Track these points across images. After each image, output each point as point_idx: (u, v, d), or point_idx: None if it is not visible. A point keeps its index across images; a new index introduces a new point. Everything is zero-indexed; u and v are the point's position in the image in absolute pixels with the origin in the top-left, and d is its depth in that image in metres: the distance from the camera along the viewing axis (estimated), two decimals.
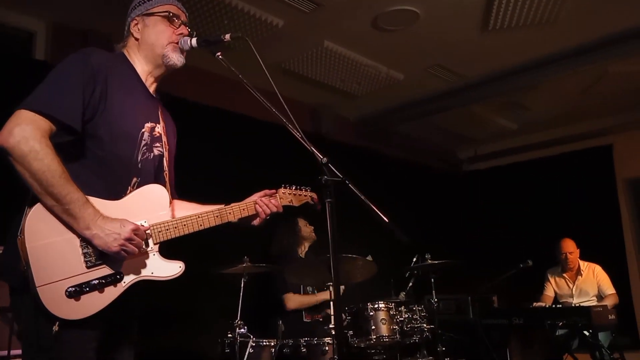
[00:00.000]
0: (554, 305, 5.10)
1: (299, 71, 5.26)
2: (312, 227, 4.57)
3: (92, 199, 1.70)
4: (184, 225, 1.90)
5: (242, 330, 3.51)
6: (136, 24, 2.02)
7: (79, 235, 1.67)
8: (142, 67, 2.01)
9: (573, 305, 5.20)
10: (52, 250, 1.63)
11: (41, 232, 1.62)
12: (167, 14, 2.02)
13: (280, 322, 3.60)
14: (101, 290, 1.68)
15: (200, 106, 4.86)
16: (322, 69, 5.23)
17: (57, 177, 1.61)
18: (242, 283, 3.77)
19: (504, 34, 4.71)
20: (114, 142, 1.81)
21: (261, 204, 2.10)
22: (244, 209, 2.08)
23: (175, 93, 4.48)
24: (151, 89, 2.04)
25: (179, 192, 2.19)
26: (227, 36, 2.02)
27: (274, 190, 2.21)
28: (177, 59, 2.00)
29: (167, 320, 4.10)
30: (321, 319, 4.23)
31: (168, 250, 1.89)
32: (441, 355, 3.75)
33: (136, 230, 1.72)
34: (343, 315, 3.58)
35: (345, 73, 5.32)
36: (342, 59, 5.04)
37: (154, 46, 1.99)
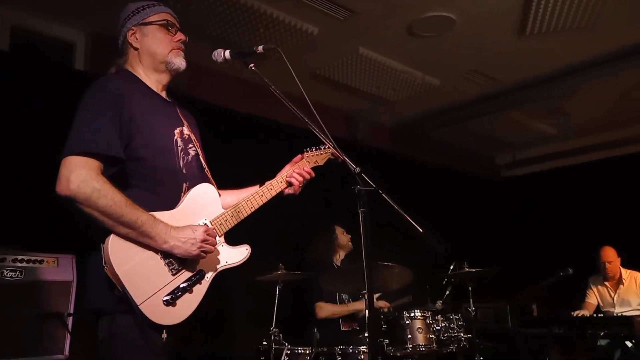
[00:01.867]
0: (595, 315, 4.95)
1: (334, 78, 5.28)
2: (349, 236, 4.53)
3: (156, 214, 1.80)
4: (238, 211, 2.04)
5: (277, 337, 3.52)
6: (133, 34, 2.06)
7: (157, 250, 1.79)
8: (150, 77, 2.07)
9: (615, 314, 5.05)
10: (139, 270, 1.75)
11: (124, 257, 1.74)
12: (164, 22, 2.08)
13: (316, 330, 3.59)
14: (191, 291, 1.83)
15: (236, 113, 4.91)
16: (357, 75, 5.25)
17: (124, 207, 1.72)
18: (277, 290, 3.79)
19: (542, 39, 4.63)
20: (154, 157, 1.90)
21: (295, 175, 2.21)
22: (280, 182, 2.20)
23: (213, 101, 4.60)
24: (163, 95, 2.11)
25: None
26: (260, 48, 2.08)
27: (299, 156, 2.33)
28: (180, 63, 2.07)
29: (202, 326, 4.15)
30: (358, 328, 4.20)
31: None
32: None
33: (207, 231, 1.85)
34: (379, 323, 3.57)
35: (380, 79, 5.32)
36: (378, 65, 5.04)
37: (156, 54, 2.05)
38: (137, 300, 1.69)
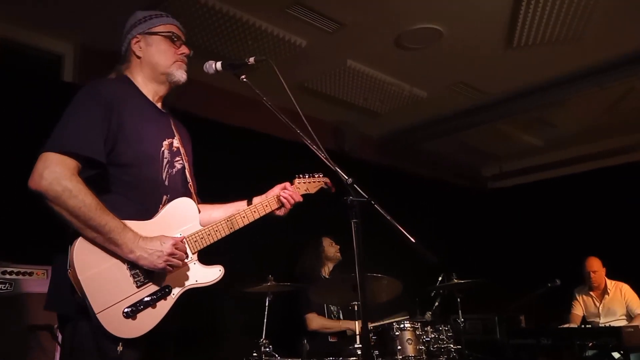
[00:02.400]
0: (582, 326, 4.99)
1: (322, 90, 5.31)
2: (338, 247, 4.54)
3: (128, 222, 1.77)
4: (216, 230, 1.98)
5: (267, 349, 3.50)
6: (137, 42, 2.06)
7: (124, 260, 1.75)
8: (147, 86, 2.06)
9: (600, 324, 5.10)
10: (102, 278, 1.71)
11: (89, 262, 1.71)
12: (170, 34, 2.07)
13: (305, 341, 3.58)
14: (154, 306, 1.78)
15: (224, 125, 4.91)
16: (345, 87, 5.28)
17: (94, 210, 1.69)
18: (267, 302, 3.78)
19: (529, 51, 4.69)
20: (138, 166, 1.88)
21: (285, 195, 2.18)
22: (266, 205, 2.16)
23: (200, 113, 4.59)
24: (159, 105, 2.10)
25: (203, 198, 2.24)
26: (252, 59, 2.08)
27: (289, 183, 2.28)
28: (180, 76, 2.07)
29: (191, 339, 4.11)
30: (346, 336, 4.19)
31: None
32: None
33: (176, 244, 1.80)
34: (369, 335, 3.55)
35: (368, 91, 5.35)
36: (365, 77, 5.08)
37: (158, 65, 2.05)
38: (96, 309, 1.65)
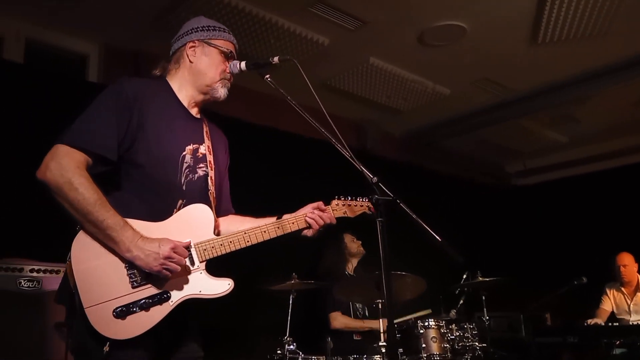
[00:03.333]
0: (610, 323, 4.91)
1: (345, 88, 5.31)
2: (360, 242, 4.52)
3: (135, 222, 1.75)
4: (230, 242, 1.91)
5: (291, 347, 3.52)
6: (194, 47, 2.04)
7: (123, 259, 1.72)
8: (186, 91, 2.04)
9: (630, 322, 5.00)
10: (98, 273, 1.69)
11: (86, 255, 1.69)
12: (228, 51, 2.06)
13: (329, 339, 3.58)
14: (147, 310, 1.71)
15: (248, 124, 4.94)
16: (367, 85, 5.27)
17: (92, 204, 1.68)
18: (291, 299, 3.79)
19: (554, 47, 4.63)
20: (153, 167, 1.86)
21: (312, 216, 2.06)
22: (293, 223, 2.04)
23: (224, 112, 4.62)
24: (193, 112, 2.07)
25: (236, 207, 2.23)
26: (276, 59, 2.05)
27: (325, 207, 2.14)
28: (223, 94, 2.06)
29: (215, 337, 4.13)
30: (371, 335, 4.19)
31: (216, 266, 1.91)
32: None
33: (175, 249, 1.73)
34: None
35: (391, 89, 5.33)
36: (388, 75, 5.06)
37: (206, 76, 2.03)
38: (85, 303, 1.62)
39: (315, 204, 2.12)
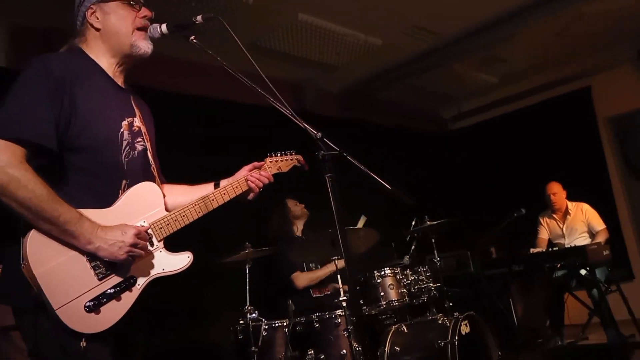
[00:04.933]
0: (550, 249, 5.22)
1: (276, 47, 5.18)
2: (303, 205, 4.56)
3: (87, 211, 1.67)
4: (183, 215, 1.88)
5: (254, 315, 3.53)
6: (93, 13, 1.88)
7: (83, 252, 1.65)
8: (107, 60, 1.90)
9: (565, 244, 5.35)
10: (60, 272, 1.62)
11: (45, 256, 1.60)
12: None
13: (290, 301, 3.62)
14: (118, 298, 1.69)
15: (177, 95, 4.75)
16: (298, 43, 5.16)
17: (45, 201, 1.57)
18: (247, 269, 3.77)
19: None
20: (94, 150, 1.75)
21: (252, 179, 2.09)
22: (236, 187, 2.06)
23: (149, 84, 4.43)
24: (119, 81, 1.94)
25: (167, 177, 2.16)
26: (199, 18, 1.93)
27: (261, 163, 2.20)
28: (146, 47, 1.91)
29: (176, 316, 4.10)
30: (330, 292, 4.27)
31: (171, 244, 1.88)
32: (449, 310, 3.83)
33: (138, 234, 1.70)
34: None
35: (323, 45, 5.25)
36: (318, 30, 4.97)
37: (119, 35, 1.87)
38: (54, 305, 1.56)
39: (250, 166, 2.14)
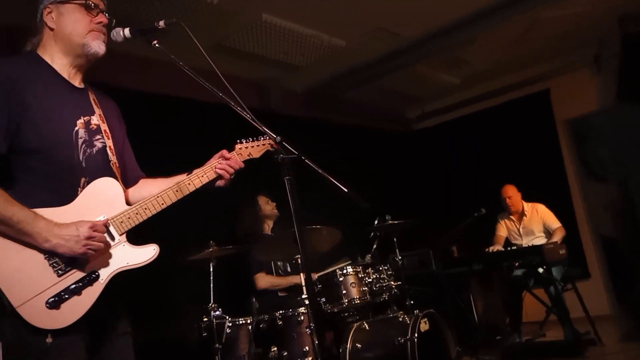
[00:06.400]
0: (508, 248, 5.37)
1: (241, 47, 5.19)
2: (275, 204, 4.57)
3: (44, 210, 1.69)
4: (145, 208, 1.88)
5: (217, 312, 3.55)
6: (50, 13, 1.90)
7: (40, 250, 1.67)
8: (61, 61, 1.91)
9: (523, 244, 5.50)
10: (18, 271, 1.63)
11: (1, 256, 1.62)
12: (84, 2, 1.91)
13: (254, 299, 3.65)
14: (80, 294, 1.70)
15: (140, 94, 4.70)
16: (263, 43, 5.18)
17: None
18: (211, 267, 3.79)
19: None
20: (47, 151, 1.76)
21: (221, 166, 2.05)
22: (203, 176, 2.03)
23: (112, 83, 4.38)
24: (76, 82, 1.95)
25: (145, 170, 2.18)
26: (161, 23, 1.96)
27: (230, 152, 2.15)
28: (98, 47, 1.92)
29: (140, 313, 4.05)
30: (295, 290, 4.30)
31: (136, 239, 1.89)
32: (410, 308, 3.92)
33: (93, 227, 1.71)
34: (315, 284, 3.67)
35: (287, 45, 5.29)
36: (283, 31, 5.00)
37: (72, 36, 1.89)
38: (15, 303, 1.58)
39: (219, 153, 2.12)
